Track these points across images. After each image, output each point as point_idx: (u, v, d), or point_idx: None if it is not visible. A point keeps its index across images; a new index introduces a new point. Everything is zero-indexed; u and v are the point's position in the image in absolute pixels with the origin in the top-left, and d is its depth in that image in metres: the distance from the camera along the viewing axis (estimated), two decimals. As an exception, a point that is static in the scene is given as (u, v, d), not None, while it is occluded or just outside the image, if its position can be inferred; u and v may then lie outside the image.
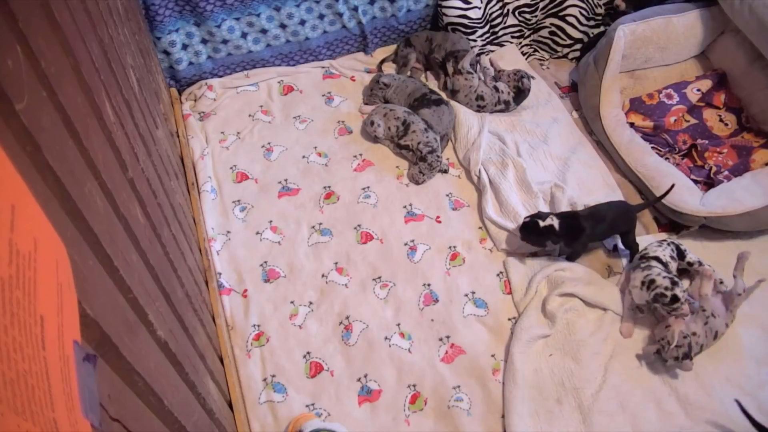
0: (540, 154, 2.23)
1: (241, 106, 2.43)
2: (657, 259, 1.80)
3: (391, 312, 1.85)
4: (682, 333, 1.65)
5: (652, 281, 1.70)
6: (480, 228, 2.06)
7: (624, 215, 1.91)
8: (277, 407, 1.65)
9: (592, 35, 2.61)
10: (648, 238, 2.00)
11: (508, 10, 2.57)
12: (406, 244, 2.00)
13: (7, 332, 0.39)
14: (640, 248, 1.91)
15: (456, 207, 2.12)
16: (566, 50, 2.66)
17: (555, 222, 1.81)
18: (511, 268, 1.93)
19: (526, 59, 2.67)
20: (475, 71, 2.41)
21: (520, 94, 2.38)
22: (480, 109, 2.37)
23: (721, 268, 1.84)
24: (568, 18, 2.57)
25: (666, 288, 1.67)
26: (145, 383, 0.75)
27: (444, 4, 2.45)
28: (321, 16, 2.47)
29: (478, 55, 2.59)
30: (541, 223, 1.81)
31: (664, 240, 1.91)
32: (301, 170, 2.21)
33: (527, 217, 1.87)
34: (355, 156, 2.26)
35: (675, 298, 1.65)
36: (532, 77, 2.41)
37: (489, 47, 2.64)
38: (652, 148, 2.20)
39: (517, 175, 2.14)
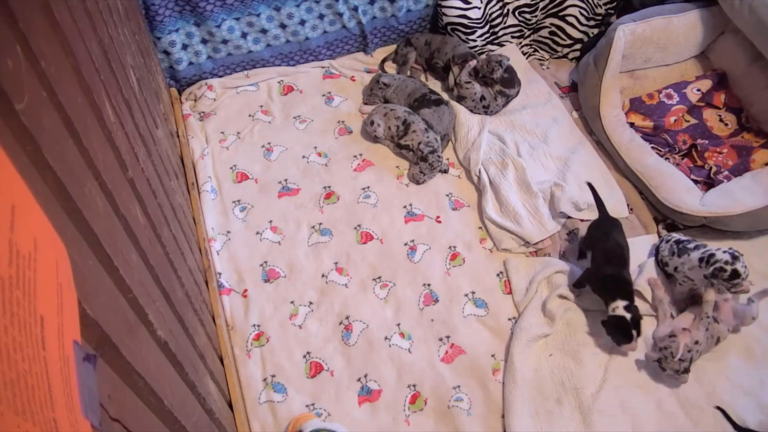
0: (540, 154, 2.23)
1: (241, 106, 2.43)
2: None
3: (391, 312, 1.85)
4: (687, 347, 1.61)
5: (712, 255, 1.65)
6: (480, 228, 2.06)
7: (617, 226, 1.87)
8: (277, 407, 1.65)
9: (592, 35, 2.61)
10: (648, 238, 2.00)
11: (508, 10, 2.57)
12: (406, 244, 2.00)
13: (7, 332, 0.39)
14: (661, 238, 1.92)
15: (456, 207, 2.12)
16: (566, 50, 2.66)
17: (622, 308, 1.67)
18: (511, 268, 1.93)
19: (526, 59, 2.66)
20: (474, 79, 2.40)
21: (504, 81, 2.36)
22: (486, 109, 2.37)
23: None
24: (568, 18, 2.57)
25: (726, 262, 1.61)
26: (145, 383, 0.75)
27: (444, 4, 2.45)
28: (321, 16, 2.47)
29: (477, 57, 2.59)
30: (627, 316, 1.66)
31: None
32: (301, 170, 2.21)
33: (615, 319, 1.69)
34: (355, 156, 2.26)
35: (735, 273, 1.59)
36: (501, 59, 2.35)
37: (489, 47, 2.64)
38: (652, 148, 2.20)
39: (517, 175, 2.14)
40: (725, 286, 1.63)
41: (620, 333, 1.67)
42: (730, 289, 1.63)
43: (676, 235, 1.88)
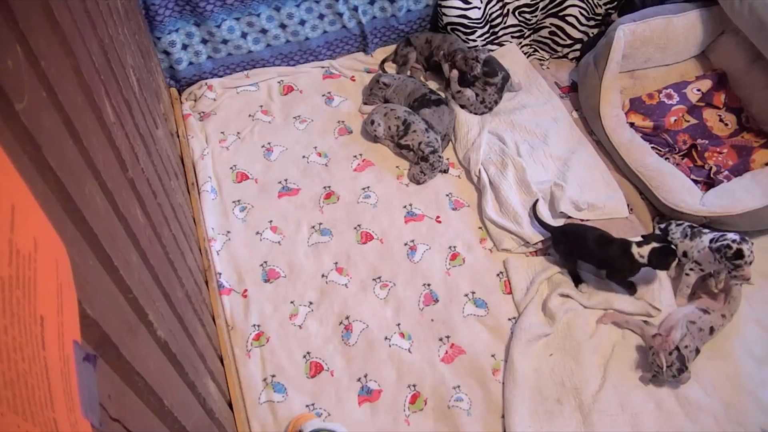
0: (540, 154, 2.23)
1: (241, 106, 2.43)
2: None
3: (391, 312, 1.85)
4: (668, 352, 1.61)
5: (723, 235, 1.70)
6: (480, 228, 2.06)
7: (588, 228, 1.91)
8: (277, 407, 1.65)
9: (592, 35, 2.61)
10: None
11: (508, 10, 2.57)
12: (406, 244, 2.00)
13: (7, 332, 0.39)
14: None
15: (456, 207, 2.12)
16: (566, 50, 2.66)
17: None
18: (511, 268, 1.93)
19: (527, 59, 2.66)
20: (463, 83, 2.39)
21: (486, 73, 2.33)
22: (483, 104, 2.36)
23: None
24: (568, 18, 2.57)
25: (734, 241, 1.65)
26: (145, 383, 0.75)
27: (444, 4, 2.45)
28: (321, 16, 2.47)
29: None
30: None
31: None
32: (301, 170, 2.21)
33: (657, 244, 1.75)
34: (355, 156, 2.26)
35: (739, 253, 1.63)
36: (477, 54, 2.31)
37: (489, 47, 2.64)
38: (652, 148, 2.20)
39: (516, 175, 2.14)
40: (727, 266, 1.67)
41: (661, 258, 1.71)
42: (732, 271, 1.67)
43: (687, 222, 1.91)
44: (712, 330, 1.70)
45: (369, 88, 2.42)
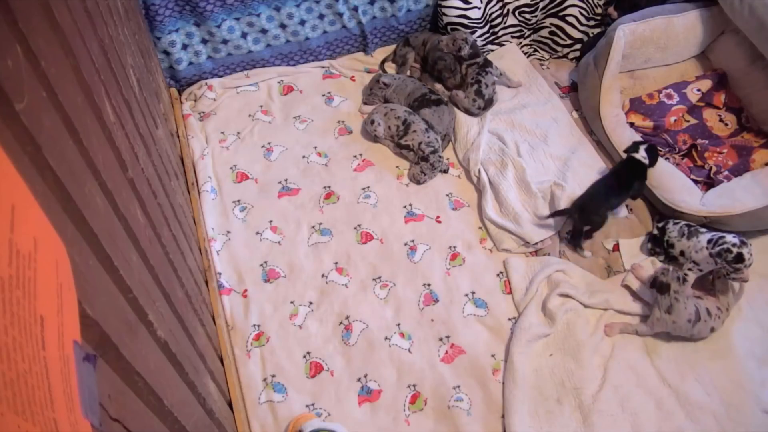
0: (540, 154, 2.23)
1: (241, 106, 2.43)
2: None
3: (391, 312, 1.85)
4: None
5: (722, 237, 1.70)
6: (480, 228, 2.06)
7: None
8: (277, 407, 1.65)
9: (592, 35, 2.61)
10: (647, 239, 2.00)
11: (508, 10, 2.57)
12: (406, 244, 2.00)
13: (7, 332, 0.39)
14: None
15: (456, 207, 2.12)
16: (566, 50, 2.66)
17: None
18: (511, 268, 1.93)
19: (527, 59, 2.66)
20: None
21: (471, 55, 2.36)
22: (479, 95, 2.34)
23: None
24: (568, 18, 2.57)
25: (734, 245, 1.65)
26: (145, 383, 0.75)
27: (444, 4, 2.45)
28: (321, 16, 2.47)
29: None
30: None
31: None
32: (301, 170, 2.21)
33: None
34: (355, 156, 2.26)
35: (740, 257, 1.63)
36: (465, 36, 2.35)
37: (489, 47, 2.64)
38: (652, 148, 2.20)
39: (516, 175, 2.14)
40: (727, 269, 1.67)
41: (655, 152, 1.96)
42: (730, 274, 1.67)
43: (685, 221, 1.91)
44: (708, 312, 1.70)
45: (369, 88, 2.42)
